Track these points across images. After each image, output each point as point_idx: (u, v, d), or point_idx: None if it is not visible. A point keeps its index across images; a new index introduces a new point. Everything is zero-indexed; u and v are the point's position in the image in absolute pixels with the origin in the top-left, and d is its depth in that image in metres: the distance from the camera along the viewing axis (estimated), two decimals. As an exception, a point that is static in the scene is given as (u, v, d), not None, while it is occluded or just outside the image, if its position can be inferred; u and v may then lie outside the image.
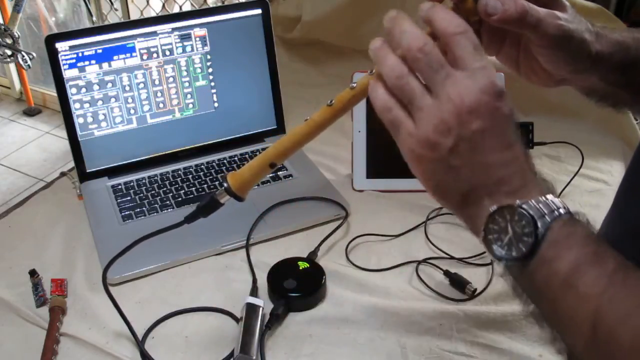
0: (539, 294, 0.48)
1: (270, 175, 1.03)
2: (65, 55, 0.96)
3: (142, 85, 1.02)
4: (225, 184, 0.61)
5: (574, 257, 0.45)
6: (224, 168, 1.05)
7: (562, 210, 0.47)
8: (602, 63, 0.58)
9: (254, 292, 0.80)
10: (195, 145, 1.09)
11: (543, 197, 0.47)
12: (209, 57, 1.06)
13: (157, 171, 1.04)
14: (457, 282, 0.81)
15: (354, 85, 0.55)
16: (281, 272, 0.81)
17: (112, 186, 1.01)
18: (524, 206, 0.46)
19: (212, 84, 1.07)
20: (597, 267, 0.44)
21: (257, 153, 1.08)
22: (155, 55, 1.02)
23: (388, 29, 0.51)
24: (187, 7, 2.08)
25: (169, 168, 1.05)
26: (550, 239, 0.46)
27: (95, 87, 0.99)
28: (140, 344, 0.73)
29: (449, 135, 0.47)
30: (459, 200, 0.50)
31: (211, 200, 0.62)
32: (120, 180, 1.02)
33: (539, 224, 0.46)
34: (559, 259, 0.45)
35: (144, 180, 1.02)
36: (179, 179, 1.03)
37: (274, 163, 0.59)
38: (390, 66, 0.50)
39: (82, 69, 0.98)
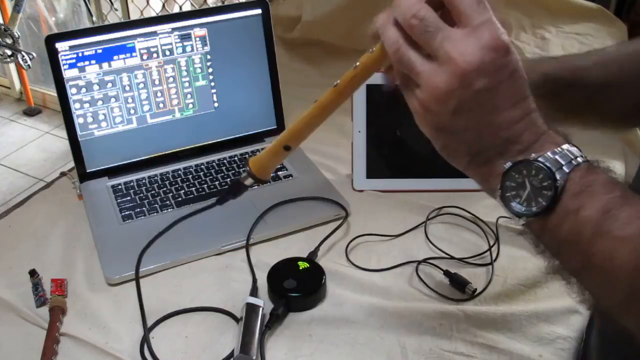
0: (568, 248, 0.46)
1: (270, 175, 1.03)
2: (65, 55, 0.96)
3: (142, 85, 1.02)
4: (247, 168, 0.64)
5: (601, 204, 0.44)
6: (224, 168, 1.05)
7: (580, 159, 0.46)
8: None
9: (254, 292, 0.80)
10: (195, 145, 1.09)
11: (559, 149, 0.46)
12: (209, 57, 1.06)
13: (157, 171, 1.04)
14: (457, 282, 0.81)
15: (357, 65, 0.55)
16: (281, 272, 0.81)
17: (112, 186, 1.01)
18: (540, 159, 0.45)
19: (212, 84, 1.07)
20: (628, 208, 0.43)
21: (257, 153, 1.09)
22: (155, 55, 1.02)
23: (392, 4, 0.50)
24: (187, 7, 2.08)
25: (169, 168, 1.05)
26: (571, 190, 0.45)
27: (95, 87, 0.99)
28: (147, 341, 0.73)
29: (452, 97, 0.46)
30: (469, 161, 0.49)
31: (237, 183, 0.67)
32: (120, 180, 1.02)
33: (557, 176, 0.45)
34: (585, 208, 0.44)
35: (144, 180, 1.02)
36: (179, 179, 1.03)
37: (288, 146, 0.61)
38: (388, 40, 0.50)
39: (82, 69, 0.98)
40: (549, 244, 0.48)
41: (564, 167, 0.45)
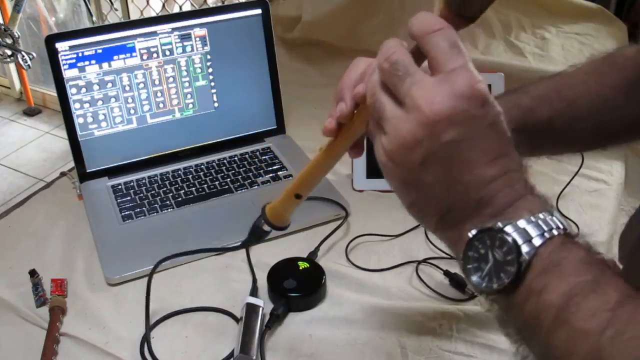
0: (528, 331, 0.41)
1: (270, 175, 1.03)
2: (65, 55, 0.96)
3: (142, 85, 1.02)
4: (263, 217, 0.65)
5: (566, 288, 0.38)
6: (223, 168, 1.05)
7: (555, 232, 0.40)
8: None
9: (254, 292, 0.80)
10: (195, 145, 1.09)
11: (533, 217, 0.41)
12: (209, 57, 1.06)
13: (157, 171, 1.04)
14: (457, 282, 0.81)
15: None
16: (281, 272, 0.81)
17: (112, 186, 1.01)
18: (506, 229, 0.40)
19: (212, 84, 1.07)
20: (595, 298, 0.38)
21: (257, 153, 1.09)
22: (155, 55, 1.02)
23: None
24: (187, 7, 2.08)
25: (169, 168, 1.05)
26: (538, 267, 0.40)
27: (95, 87, 0.99)
28: (147, 341, 0.73)
29: (418, 148, 0.41)
30: (438, 221, 0.44)
31: (257, 228, 0.67)
32: (120, 180, 1.02)
33: (524, 250, 0.40)
34: (548, 290, 0.39)
35: (144, 180, 1.02)
36: (179, 179, 1.03)
37: (299, 194, 0.60)
38: (369, 84, 0.46)
39: (82, 69, 0.98)
40: (514, 325, 0.43)
41: (534, 240, 0.40)
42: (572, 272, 0.39)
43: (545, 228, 0.41)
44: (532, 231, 0.40)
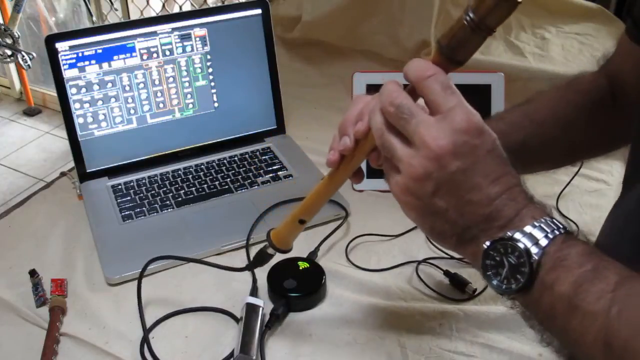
0: (548, 320, 0.47)
1: (270, 175, 1.03)
2: (65, 55, 0.96)
3: (142, 85, 1.02)
4: (268, 241, 0.69)
5: (573, 278, 0.44)
6: (223, 168, 1.05)
7: (557, 232, 0.46)
8: None
9: (254, 292, 0.80)
10: (195, 145, 1.09)
11: (537, 222, 0.47)
12: (209, 57, 1.06)
13: (157, 171, 1.04)
14: (457, 282, 0.81)
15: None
16: (281, 272, 0.81)
17: (112, 186, 1.01)
18: (515, 236, 0.46)
19: (212, 84, 1.07)
20: (598, 283, 0.44)
21: (257, 153, 1.09)
22: (155, 55, 1.02)
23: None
24: (187, 7, 2.08)
25: (169, 168, 1.05)
26: (547, 265, 0.46)
27: (95, 87, 0.99)
28: (147, 341, 0.73)
29: (429, 180, 0.47)
30: (457, 240, 0.50)
31: (262, 253, 0.72)
32: (120, 180, 1.02)
33: (533, 252, 0.46)
34: (559, 283, 0.45)
35: (144, 180, 1.02)
36: (179, 179, 1.03)
37: (302, 219, 0.64)
38: (374, 126, 0.52)
39: (82, 69, 0.98)
40: (535, 316, 0.49)
41: (540, 241, 0.46)
42: (576, 264, 0.45)
43: (549, 230, 0.46)
44: (538, 234, 0.46)
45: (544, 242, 0.46)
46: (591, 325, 0.43)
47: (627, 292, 0.43)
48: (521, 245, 0.46)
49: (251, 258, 0.86)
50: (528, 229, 0.46)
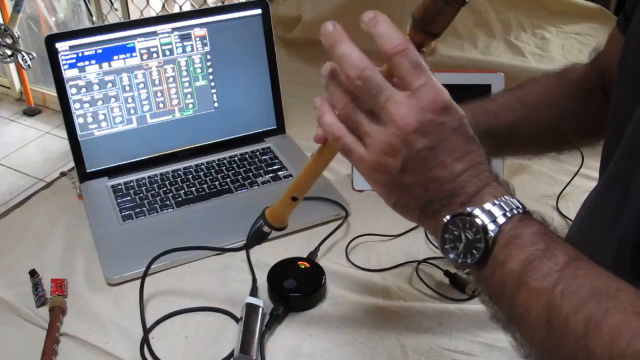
0: (497, 295, 0.48)
1: (270, 175, 1.03)
2: (65, 55, 0.96)
3: (142, 85, 1.02)
4: (264, 218, 0.68)
5: (524, 256, 0.46)
6: (223, 168, 1.05)
7: (515, 211, 0.47)
8: None
9: (254, 292, 0.80)
10: (195, 145, 1.09)
11: (497, 200, 0.48)
12: (209, 57, 1.06)
13: (157, 171, 1.04)
14: (457, 282, 0.81)
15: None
16: (281, 272, 0.81)
17: (112, 186, 1.01)
18: (474, 212, 0.48)
19: (212, 84, 1.07)
20: (547, 262, 0.45)
21: (257, 153, 1.09)
22: (155, 55, 1.02)
23: (328, 49, 0.50)
24: (187, 7, 2.08)
25: (169, 168, 1.05)
26: (502, 242, 0.47)
27: (95, 87, 0.99)
28: (147, 341, 0.73)
29: (397, 156, 0.48)
30: (420, 213, 0.51)
31: (258, 231, 0.71)
32: (120, 180, 1.02)
33: (490, 228, 0.47)
34: (510, 259, 0.46)
35: (144, 180, 1.02)
36: (179, 179, 1.03)
37: (295, 197, 0.64)
38: (336, 97, 0.52)
39: (82, 69, 0.98)
40: (487, 291, 0.50)
41: (498, 219, 0.47)
42: (529, 242, 0.46)
43: (507, 209, 0.48)
44: (496, 212, 0.47)
45: (501, 220, 0.47)
46: (536, 302, 0.44)
47: (574, 273, 0.44)
48: (479, 222, 0.47)
49: (251, 258, 0.86)
50: (487, 206, 0.48)
